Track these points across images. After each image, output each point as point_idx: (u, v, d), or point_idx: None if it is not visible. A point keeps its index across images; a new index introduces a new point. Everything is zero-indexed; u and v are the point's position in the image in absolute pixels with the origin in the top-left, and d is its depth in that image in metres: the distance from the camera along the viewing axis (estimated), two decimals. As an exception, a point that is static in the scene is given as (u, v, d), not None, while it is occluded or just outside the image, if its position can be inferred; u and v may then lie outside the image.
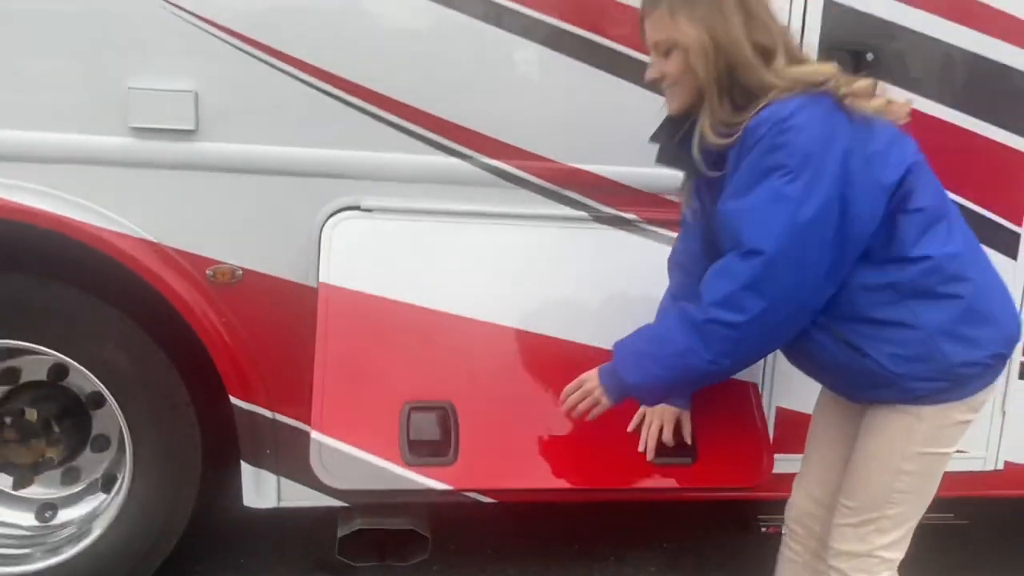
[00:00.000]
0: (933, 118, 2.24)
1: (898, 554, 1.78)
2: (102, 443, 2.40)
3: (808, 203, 1.52)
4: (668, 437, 1.99)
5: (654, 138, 1.81)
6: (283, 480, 2.24)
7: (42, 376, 2.33)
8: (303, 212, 2.09)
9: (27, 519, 2.39)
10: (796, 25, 2.13)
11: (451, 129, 2.10)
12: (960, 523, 2.58)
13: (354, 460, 1.95)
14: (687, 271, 1.89)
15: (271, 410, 2.20)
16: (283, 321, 2.14)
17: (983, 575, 2.76)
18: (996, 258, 2.31)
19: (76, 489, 2.43)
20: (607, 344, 1.82)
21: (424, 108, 2.07)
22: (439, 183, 2.13)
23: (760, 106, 1.55)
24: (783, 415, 2.34)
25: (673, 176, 1.85)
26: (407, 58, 2.06)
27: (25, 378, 2.33)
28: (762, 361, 2.22)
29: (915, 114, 2.19)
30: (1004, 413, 2.45)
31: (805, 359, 1.79)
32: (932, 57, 2.22)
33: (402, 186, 2.12)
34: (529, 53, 2.08)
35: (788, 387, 2.30)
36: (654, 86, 1.76)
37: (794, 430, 2.12)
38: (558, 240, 2.18)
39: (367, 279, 2.07)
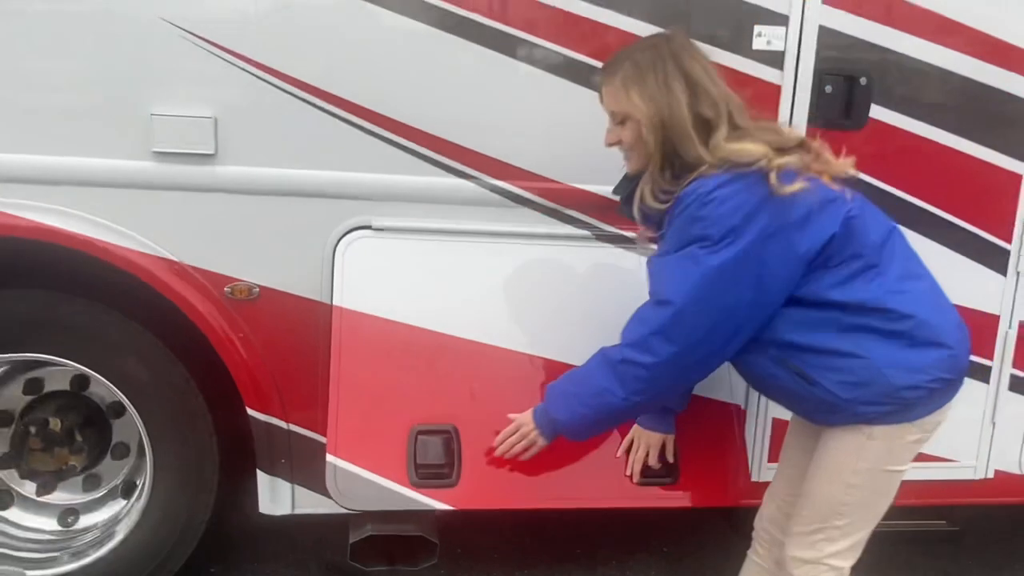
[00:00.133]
0: (925, 139, 2.30)
1: (847, 562, 1.87)
2: (122, 451, 2.49)
3: (721, 269, 1.66)
4: (653, 461, 2.11)
5: (616, 191, 1.96)
6: (297, 488, 2.33)
7: (64, 386, 2.42)
8: (317, 231, 2.16)
9: (50, 524, 2.48)
10: (792, 50, 2.20)
11: (457, 151, 2.17)
12: (952, 530, 2.65)
13: (366, 482, 2.08)
14: None
15: (286, 421, 2.27)
16: (298, 336, 2.21)
17: (975, 580, 2.85)
18: (986, 275, 2.41)
19: (97, 495, 2.52)
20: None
21: (432, 131, 2.15)
22: (446, 203, 2.20)
23: (691, 179, 1.68)
24: (779, 426, 2.42)
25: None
26: (416, 85, 2.13)
27: (48, 388, 2.42)
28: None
29: (907, 136, 2.31)
30: (994, 424, 2.51)
31: (764, 387, 1.91)
32: (923, 81, 2.28)
33: (411, 206, 2.19)
34: (534, 80, 2.14)
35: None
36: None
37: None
38: (561, 258, 2.25)
39: (378, 301, 2.16)
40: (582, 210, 2.26)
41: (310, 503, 2.33)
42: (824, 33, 2.20)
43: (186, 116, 2.05)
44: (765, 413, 2.41)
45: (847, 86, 2.24)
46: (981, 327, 2.45)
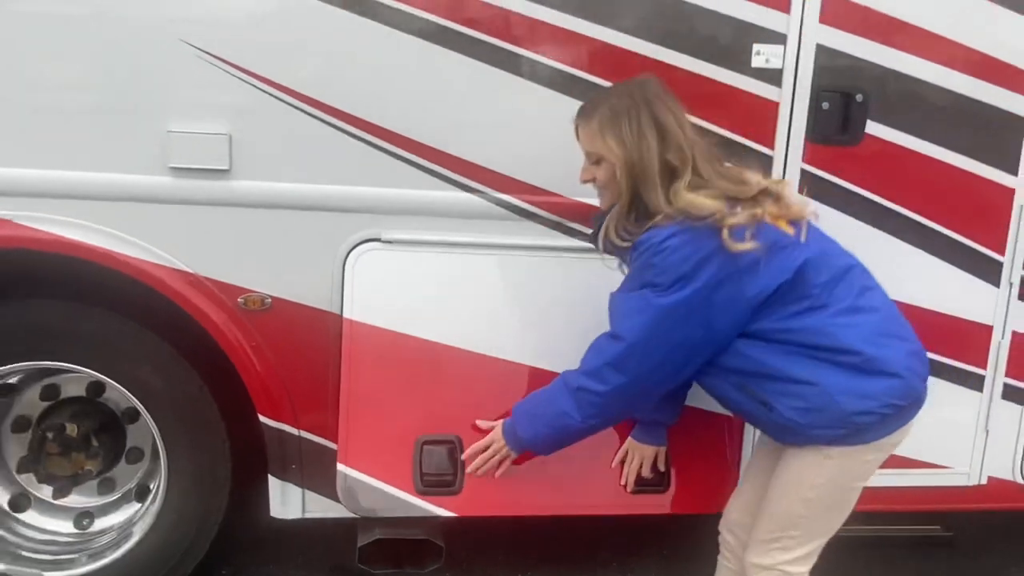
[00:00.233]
0: (919, 154, 2.35)
1: (802, 568, 1.96)
2: (136, 455, 2.55)
3: (669, 311, 1.78)
4: (646, 472, 2.24)
5: (593, 222, 2.06)
6: (307, 493, 2.38)
7: (80, 392, 2.48)
8: (328, 244, 2.22)
9: (66, 527, 2.54)
10: (790, 68, 2.25)
11: (465, 166, 2.22)
12: (946, 535, 2.71)
13: (374, 490, 2.20)
14: None
15: (297, 428, 2.33)
16: (309, 345, 2.27)
17: (969, 584, 2.91)
18: (979, 285, 2.46)
19: (112, 498, 2.58)
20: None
21: (440, 147, 2.20)
22: (453, 216, 2.26)
23: (649, 226, 1.78)
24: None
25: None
26: (425, 102, 2.18)
27: (64, 395, 2.48)
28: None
29: (902, 151, 2.36)
30: (988, 432, 2.56)
31: (729, 408, 2.00)
32: (918, 97, 2.33)
33: (419, 219, 2.25)
34: (539, 98, 2.19)
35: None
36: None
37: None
38: (565, 271, 2.30)
39: (386, 313, 2.23)
40: (586, 223, 2.30)
41: (320, 507, 2.39)
42: (821, 51, 2.26)
43: (202, 133, 2.11)
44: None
45: (844, 103, 2.30)
46: (974, 336, 2.51)
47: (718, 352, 1.86)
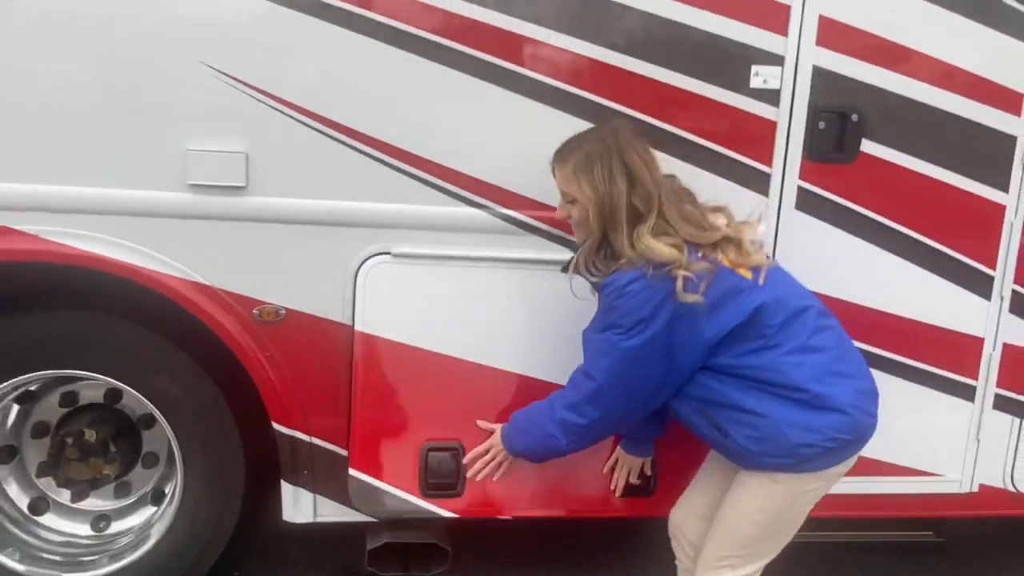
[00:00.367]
0: (913, 172, 2.41)
1: None
2: (151, 460, 2.62)
3: (633, 352, 1.91)
4: (634, 479, 2.41)
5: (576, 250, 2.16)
6: (319, 498, 2.45)
7: (98, 399, 2.55)
8: (339, 258, 2.28)
9: (84, 529, 2.61)
10: (787, 88, 2.32)
11: (472, 182, 2.29)
12: (939, 541, 2.77)
13: (382, 492, 2.35)
14: None
15: (309, 435, 2.40)
16: (321, 355, 2.34)
17: (961, 589, 2.97)
18: (971, 299, 2.53)
19: (128, 502, 2.65)
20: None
21: (447, 164, 2.27)
22: (460, 231, 2.32)
23: (614, 268, 1.89)
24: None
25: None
26: (433, 121, 2.25)
27: (82, 401, 2.55)
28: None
29: (896, 168, 2.42)
30: (979, 440, 2.63)
31: (690, 430, 2.09)
32: (912, 117, 2.38)
33: (427, 234, 2.31)
34: (544, 117, 2.25)
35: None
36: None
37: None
38: (565, 283, 2.31)
39: (395, 324, 2.32)
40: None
41: (331, 512, 2.46)
42: (818, 73, 2.32)
43: (219, 151, 2.18)
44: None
45: (839, 122, 2.36)
46: (967, 348, 2.57)
47: (681, 384, 2.00)
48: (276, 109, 2.18)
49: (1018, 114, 2.43)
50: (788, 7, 2.28)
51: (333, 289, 2.30)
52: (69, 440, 2.47)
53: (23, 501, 2.59)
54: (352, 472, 2.32)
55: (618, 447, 2.41)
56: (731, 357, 1.93)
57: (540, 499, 2.40)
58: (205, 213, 2.22)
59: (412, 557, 2.55)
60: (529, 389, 2.34)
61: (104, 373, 2.37)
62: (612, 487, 2.42)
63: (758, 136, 2.35)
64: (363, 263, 2.29)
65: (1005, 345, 2.58)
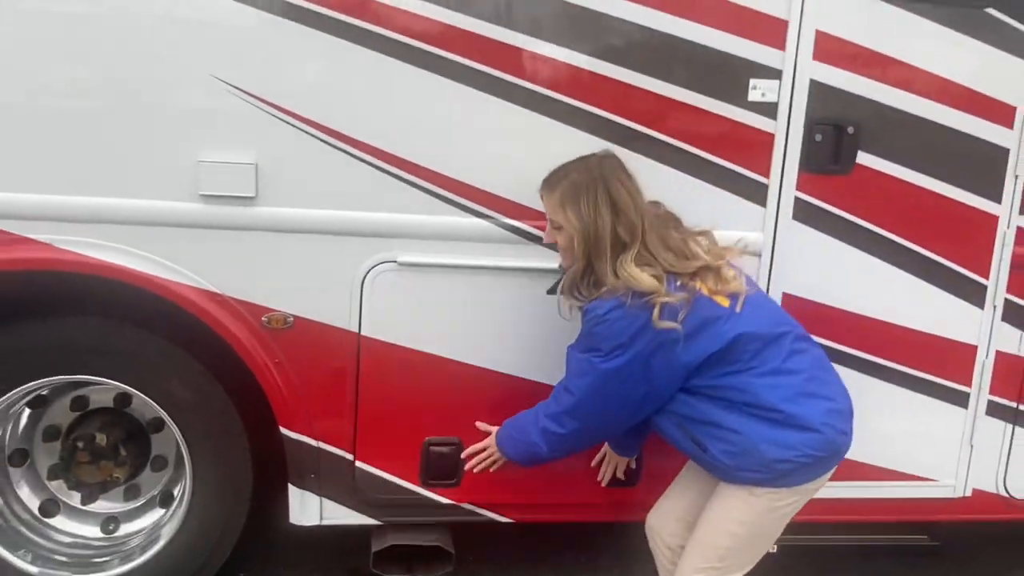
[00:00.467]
0: (907, 183, 2.47)
1: None
2: (160, 463, 2.67)
3: (611, 374, 2.01)
4: (620, 474, 2.53)
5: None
6: (325, 501, 2.50)
7: (108, 403, 2.59)
8: (346, 266, 2.33)
9: (93, 532, 2.65)
10: (785, 101, 2.37)
11: (475, 193, 2.34)
12: (933, 544, 2.81)
13: (386, 482, 2.46)
14: None
15: (316, 439, 2.44)
16: (328, 361, 2.38)
17: (955, 592, 3.02)
18: (965, 308, 2.58)
19: (137, 504, 2.69)
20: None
21: (452, 175, 2.32)
22: (464, 240, 2.37)
23: (597, 295, 1.96)
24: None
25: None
26: (438, 133, 2.30)
27: (92, 406, 2.59)
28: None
29: (891, 180, 2.48)
30: (972, 446, 2.68)
31: (674, 446, 2.16)
32: (906, 129, 2.44)
33: (432, 243, 2.36)
34: (546, 130, 2.31)
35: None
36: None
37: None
38: None
39: (400, 330, 2.38)
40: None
41: (337, 515, 2.51)
42: (814, 86, 2.38)
43: (230, 163, 2.22)
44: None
45: (836, 134, 2.41)
46: (960, 356, 2.62)
47: (660, 404, 2.08)
48: (285, 121, 2.23)
49: (1010, 127, 2.49)
50: (786, 22, 2.33)
51: (340, 297, 2.35)
52: (80, 444, 2.52)
53: (34, 503, 2.63)
54: (359, 464, 2.43)
55: (606, 444, 2.50)
56: (707, 379, 2.01)
57: (529, 490, 2.50)
58: (216, 223, 2.26)
59: (416, 559, 2.60)
60: (526, 391, 2.40)
61: (116, 378, 2.41)
62: (599, 478, 2.53)
63: (756, 148, 2.41)
64: (369, 271, 2.34)
65: (998, 353, 2.64)
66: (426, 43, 2.24)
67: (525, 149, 2.31)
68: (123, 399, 2.59)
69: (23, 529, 2.59)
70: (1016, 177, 2.52)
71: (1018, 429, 2.70)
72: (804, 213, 2.46)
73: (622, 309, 1.95)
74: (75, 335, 2.38)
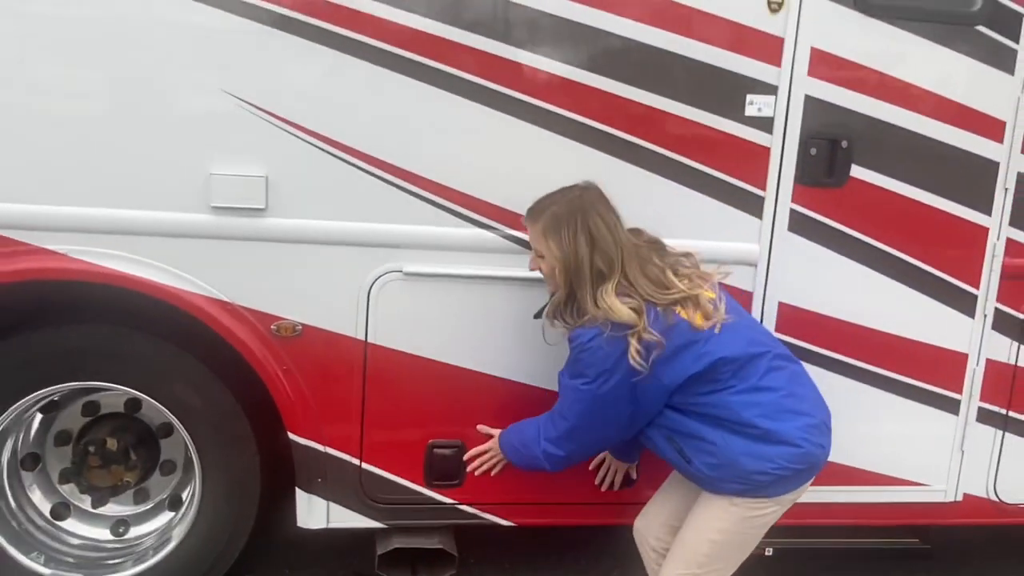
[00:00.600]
0: (900, 195, 2.53)
1: None
2: (169, 467, 2.71)
3: (599, 398, 2.11)
4: (619, 480, 2.60)
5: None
6: (332, 504, 2.55)
7: (118, 408, 2.64)
8: (354, 276, 2.38)
9: (104, 534, 2.71)
10: (780, 116, 2.43)
11: (479, 205, 2.39)
12: (924, 547, 2.86)
13: (391, 483, 2.54)
14: None
15: (323, 444, 2.49)
16: (335, 368, 2.43)
17: (946, 594, 3.06)
18: (956, 317, 2.63)
19: (146, 507, 2.74)
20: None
21: (457, 187, 2.38)
22: (468, 251, 2.42)
23: (580, 323, 2.05)
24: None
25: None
26: (443, 146, 2.36)
27: (103, 411, 2.64)
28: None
29: (884, 192, 2.53)
30: (963, 452, 2.73)
31: (661, 457, 2.24)
32: (899, 143, 2.49)
33: (436, 253, 2.41)
34: (548, 145, 2.37)
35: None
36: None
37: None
38: None
39: (405, 338, 2.44)
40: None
41: (343, 518, 2.56)
42: (809, 102, 2.43)
43: (241, 175, 2.28)
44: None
45: (830, 148, 2.47)
46: (951, 364, 2.68)
47: (648, 421, 2.17)
48: (294, 135, 2.28)
49: (1000, 141, 2.54)
50: (781, 40, 2.40)
51: (347, 305, 2.40)
52: (92, 448, 2.57)
53: (46, 507, 2.68)
54: (365, 466, 2.51)
55: (607, 450, 2.56)
56: (689, 396, 2.10)
57: (529, 491, 2.55)
58: (227, 234, 2.32)
59: (420, 562, 2.66)
60: (526, 395, 2.48)
61: (128, 385, 2.46)
62: (597, 482, 2.60)
63: (752, 161, 2.47)
64: (376, 281, 2.40)
65: (988, 361, 2.69)
66: (432, 59, 2.29)
67: (530, 163, 2.36)
68: (133, 404, 2.64)
69: (35, 532, 2.64)
70: (1006, 190, 2.58)
71: (1008, 435, 2.75)
72: (799, 225, 2.52)
73: (601, 338, 2.04)
74: (89, 342, 2.43)
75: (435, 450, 2.52)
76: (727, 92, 2.41)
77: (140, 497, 2.73)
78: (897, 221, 2.56)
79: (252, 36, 2.23)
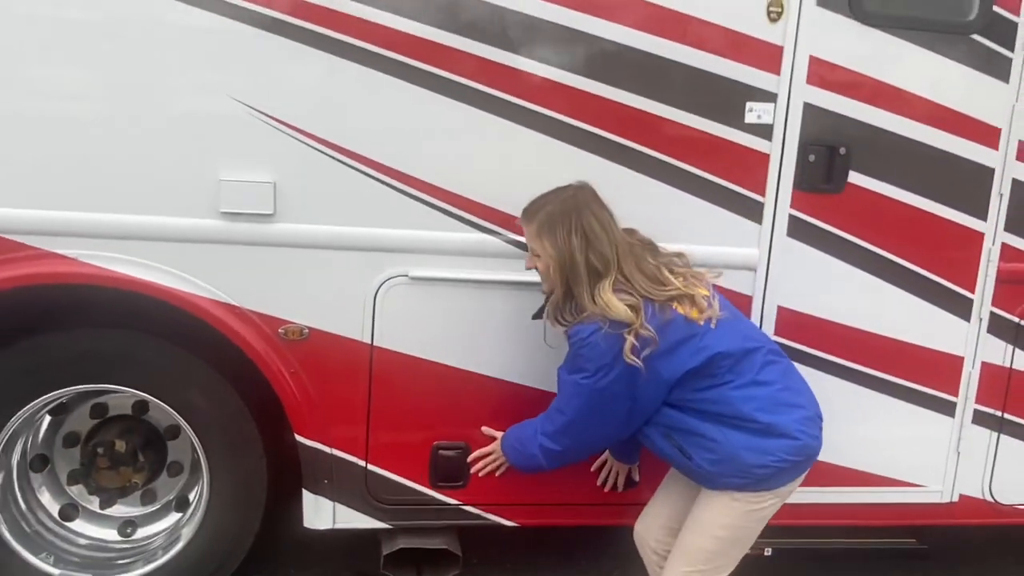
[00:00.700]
0: (897, 201, 2.56)
1: None
2: (176, 468, 2.75)
3: (598, 393, 2.13)
4: (621, 482, 2.63)
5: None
6: (338, 505, 2.58)
7: (126, 411, 2.67)
8: (360, 280, 2.41)
9: (112, 535, 2.74)
10: (780, 124, 2.46)
11: (483, 210, 2.43)
12: (921, 548, 2.89)
13: (396, 484, 2.57)
14: None
15: (329, 446, 2.53)
16: (342, 371, 2.47)
17: (943, 594, 3.10)
18: (952, 320, 2.67)
19: (153, 508, 2.77)
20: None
21: (461, 192, 2.41)
22: (473, 255, 2.46)
23: (578, 320, 2.08)
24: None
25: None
26: (448, 152, 2.40)
27: (111, 413, 2.67)
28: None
29: (881, 198, 2.57)
30: (959, 453, 2.77)
31: (661, 456, 2.27)
32: (896, 149, 2.53)
33: (442, 258, 2.45)
34: (551, 151, 2.40)
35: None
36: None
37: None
38: None
39: (411, 341, 2.48)
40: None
41: (349, 519, 2.59)
42: (808, 109, 2.47)
43: (249, 181, 2.31)
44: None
45: (828, 155, 2.50)
46: (947, 366, 2.71)
47: (647, 418, 2.19)
48: (302, 142, 2.32)
49: (995, 147, 2.58)
50: (780, 48, 2.43)
51: (354, 309, 2.43)
52: (100, 450, 2.60)
53: (54, 508, 2.71)
54: (371, 467, 2.54)
55: (607, 451, 2.59)
56: (686, 392, 2.13)
57: (531, 493, 2.58)
58: (235, 239, 2.35)
59: (424, 562, 2.69)
60: (529, 398, 2.51)
61: (137, 387, 2.50)
62: (599, 483, 2.63)
63: (752, 168, 2.50)
64: (382, 285, 2.43)
65: (983, 364, 2.73)
66: (438, 67, 2.33)
67: (534, 169, 2.39)
68: (141, 406, 2.67)
69: (44, 532, 2.67)
70: (1001, 195, 2.61)
71: (1003, 437, 2.79)
72: (798, 230, 2.55)
73: (600, 334, 2.07)
74: (99, 346, 2.46)
75: (440, 452, 2.56)
76: (728, 99, 2.44)
77: (147, 498, 2.76)
78: (894, 226, 2.59)
79: (261, 43, 2.26)
